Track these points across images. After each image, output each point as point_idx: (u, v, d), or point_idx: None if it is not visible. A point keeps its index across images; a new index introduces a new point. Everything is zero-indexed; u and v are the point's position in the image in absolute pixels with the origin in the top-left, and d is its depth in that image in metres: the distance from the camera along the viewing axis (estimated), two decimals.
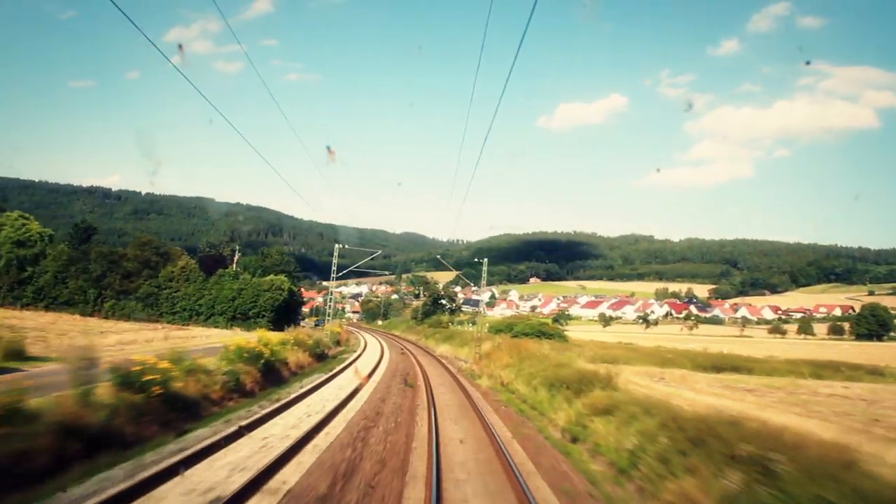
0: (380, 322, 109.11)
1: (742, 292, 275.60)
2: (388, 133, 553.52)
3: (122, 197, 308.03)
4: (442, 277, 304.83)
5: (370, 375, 29.28)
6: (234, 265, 69.17)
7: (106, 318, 56.78)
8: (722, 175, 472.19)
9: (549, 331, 74.88)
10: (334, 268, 46.14)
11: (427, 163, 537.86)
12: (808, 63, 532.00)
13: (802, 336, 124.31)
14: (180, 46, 12.57)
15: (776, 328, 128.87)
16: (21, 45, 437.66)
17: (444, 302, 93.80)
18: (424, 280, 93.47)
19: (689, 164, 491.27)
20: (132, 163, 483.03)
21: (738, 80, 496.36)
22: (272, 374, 23.30)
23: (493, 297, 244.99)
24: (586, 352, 44.23)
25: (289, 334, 35.85)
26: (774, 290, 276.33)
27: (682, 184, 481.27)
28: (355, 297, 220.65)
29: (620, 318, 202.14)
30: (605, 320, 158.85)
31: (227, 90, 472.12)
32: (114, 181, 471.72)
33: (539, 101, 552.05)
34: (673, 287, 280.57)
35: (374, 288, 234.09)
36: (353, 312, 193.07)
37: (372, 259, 69.81)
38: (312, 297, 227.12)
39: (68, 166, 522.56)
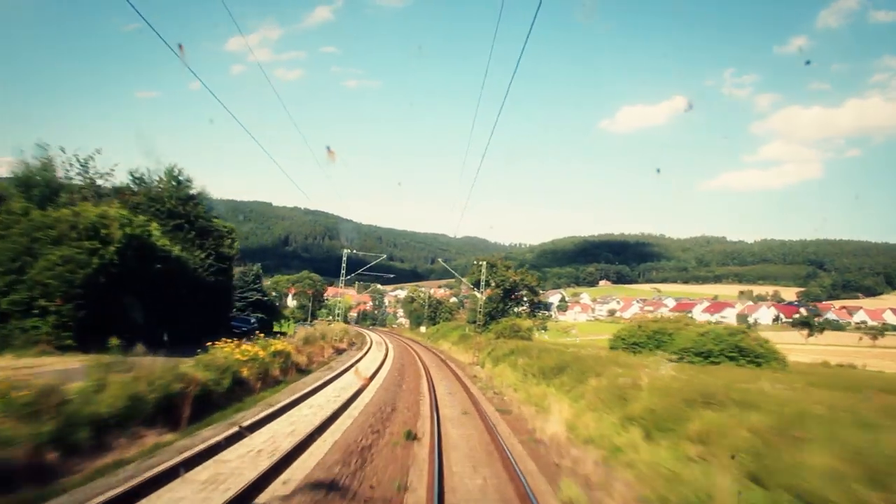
0: (423, 329, 70.08)
1: (833, 295, 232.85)
2: (440, 138, 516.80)
3: None
4: None
5: None
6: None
7: None
8: (791, 176, 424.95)
9: (752, 348, 33.08)
10: None
11: (485, 166, 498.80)
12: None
13: None
14: (180, 46, 10.28)
15: None
16: (91, 57, 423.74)
17: (521, 294, 53.71)
18: (490, 263, 54.23)
19: (756, 166, 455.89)
20: (190, 168, 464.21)
21: (807, 78, 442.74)
22: None
23: (563, 300, 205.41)
24: None
25: None
26: (869, 292, 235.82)
27: (751, 186, 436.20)
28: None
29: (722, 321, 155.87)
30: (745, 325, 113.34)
31: (287, 97, 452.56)
32: None
33: (599, 105, 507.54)
34: (756, 290, 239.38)
35: (432, 291, 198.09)
36: (406, 318, 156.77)
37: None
38: (364, 301, 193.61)
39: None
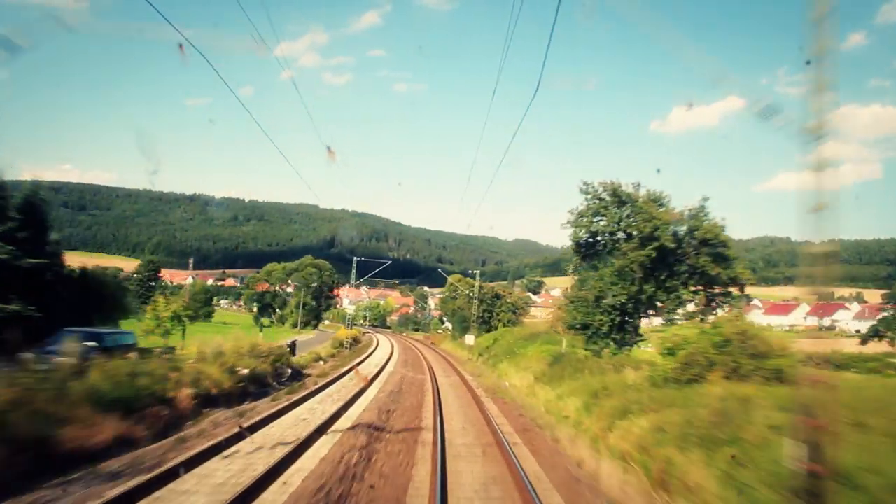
0: (471, 339, 37.06)
1: None
2: (489, 141, 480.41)
3: (225, 204, 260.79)
4: (559, 283, 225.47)
5: None
6: None
7: None
8: (850, 176, 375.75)
9: None
10: None
11: (533, 168, 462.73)
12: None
13: None
14: (180, 46, 9.47)
15: None
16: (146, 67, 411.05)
17: (694, 262, 20.44)
18: (615, 191, 22.71)
19: (811, 167, 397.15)
20: (237, 172, 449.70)
21: (866, 75, 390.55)
22: None
23: None
24: None
25: None
26: None
27: (807, 186, 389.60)
28: None
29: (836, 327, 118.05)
30: None
31: (336, 102, 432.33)
32: (221, 191, 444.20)
33: (651, 106, 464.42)
34: (837, 292, 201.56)
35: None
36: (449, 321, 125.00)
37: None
38: (407, 304, 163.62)
39: (177, 177, 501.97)
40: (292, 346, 26.91)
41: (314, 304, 65.91)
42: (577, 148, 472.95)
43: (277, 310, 69.64)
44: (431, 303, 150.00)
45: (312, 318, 64.34)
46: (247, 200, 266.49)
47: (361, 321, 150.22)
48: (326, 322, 78.33)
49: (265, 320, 66.99)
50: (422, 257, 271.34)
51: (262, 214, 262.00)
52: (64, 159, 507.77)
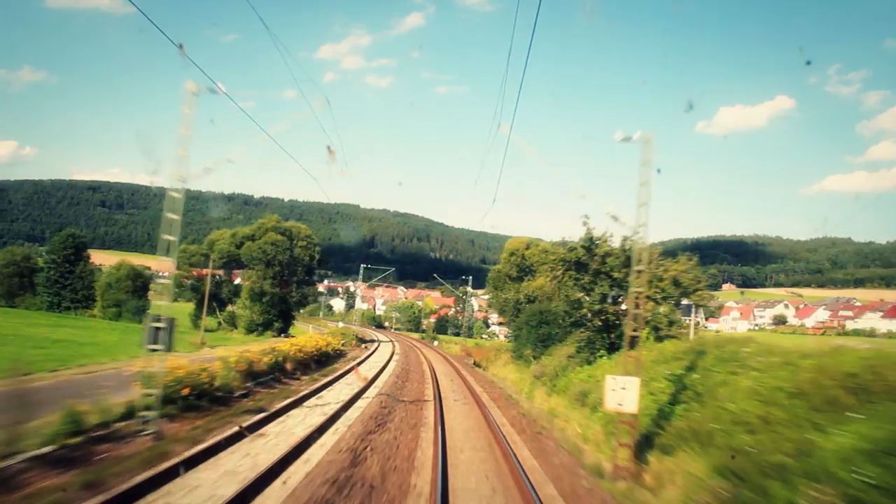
0: (631, 388, 10.53)
1: None
2: (527, 142, 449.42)
3: (264, 203, 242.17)
4: None
5: None
6: None
7: None
8: None
9: None
10: None
11: (577, 169, 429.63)
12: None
13: None
14: (181, 46, 9.06)
15: None
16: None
17: None
18: None
19: (863, 168, 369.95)
20: (275, 173, 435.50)
21: None
22: None
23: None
24: None
25: None
26: None
27: (857, 188, 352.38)
28: None
29: None
30: None
31: (379, 103, 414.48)
32: (261, 191, 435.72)
33: (696, 106, 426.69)
34: None
35: None
36: (500, 323, 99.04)
37: None
38: (448, 305, 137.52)
39: (215, 176, 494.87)
40: None
41: (279, 292, 38.75)
42: (614, 151, 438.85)
43: (227, 304, 43.62)
44: (475, 303, 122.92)
45: (276, 316, 38.04)
46: (286, 200, 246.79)
47: (388, 323, 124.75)
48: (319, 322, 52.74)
49: (210, 320, 40.41)
50: (465, 258, 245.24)
51: (302, 214, 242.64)
52: (112, 163, 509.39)
